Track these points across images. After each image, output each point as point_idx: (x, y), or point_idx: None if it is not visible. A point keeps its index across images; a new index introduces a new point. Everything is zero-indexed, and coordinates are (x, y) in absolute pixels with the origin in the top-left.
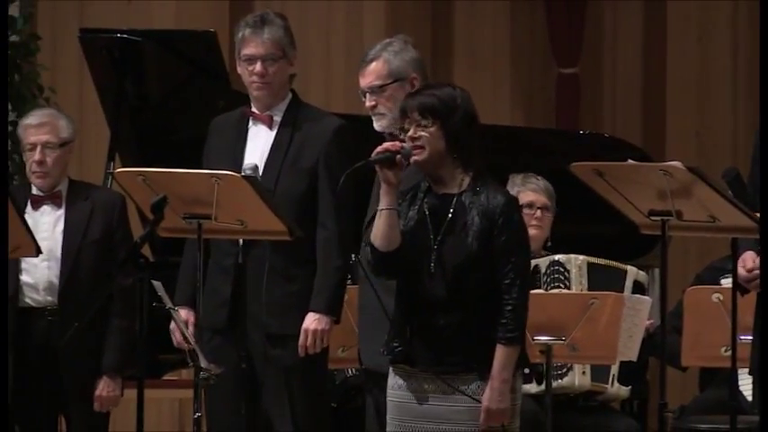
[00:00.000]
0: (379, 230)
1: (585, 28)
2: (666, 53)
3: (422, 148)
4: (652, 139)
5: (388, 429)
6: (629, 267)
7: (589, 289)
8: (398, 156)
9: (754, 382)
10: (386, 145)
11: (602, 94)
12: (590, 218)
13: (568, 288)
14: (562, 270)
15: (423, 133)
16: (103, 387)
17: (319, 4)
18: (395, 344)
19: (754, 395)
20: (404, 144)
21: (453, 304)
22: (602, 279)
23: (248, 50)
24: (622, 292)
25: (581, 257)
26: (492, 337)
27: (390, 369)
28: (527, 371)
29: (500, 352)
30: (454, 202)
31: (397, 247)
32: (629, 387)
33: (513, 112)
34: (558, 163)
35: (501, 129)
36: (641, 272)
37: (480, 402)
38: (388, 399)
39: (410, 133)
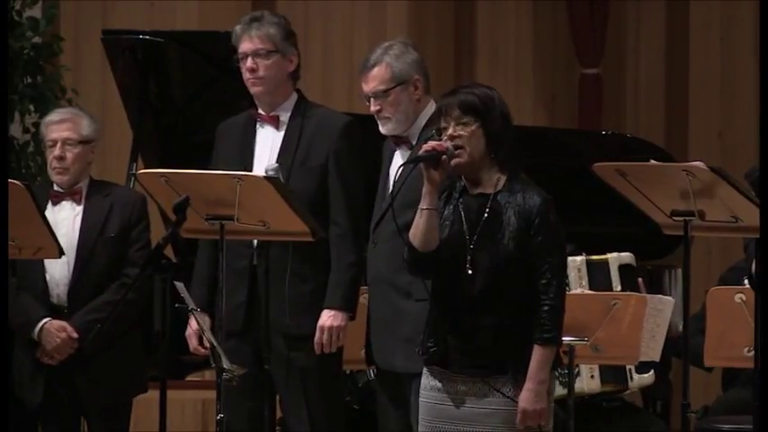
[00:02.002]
0: (419, 230)
1: (608, 28)
2: (689, 53)
3: (461, 148)
4: (674, 139)
5: (420, 430)
6: (609, 256)
7: (591, 289)
8: (444, 156)
9: None
10: (432, 144)
11: (625, 94)
12: (612, 218)
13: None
14: None
15: (463, 132)
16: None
17: (342, 4)
18: (429, 344)
19: None
20: (449, 145)
21: (488, 305)
22: (596, 275)
23: (240, 48)
24: (611, 284)
25: (578, 258)
26: (527, 338)
27: (425, 370)
28: None
29: (537, 352)
30: (490, 202)
31: (435, 247)
32: (651, 371)
33: (536, 112)
34: (581, 163)
35: (523, 129)
36: (623, 254)
37: (517, 402)
38: (420, 399)
39: (450, 131)
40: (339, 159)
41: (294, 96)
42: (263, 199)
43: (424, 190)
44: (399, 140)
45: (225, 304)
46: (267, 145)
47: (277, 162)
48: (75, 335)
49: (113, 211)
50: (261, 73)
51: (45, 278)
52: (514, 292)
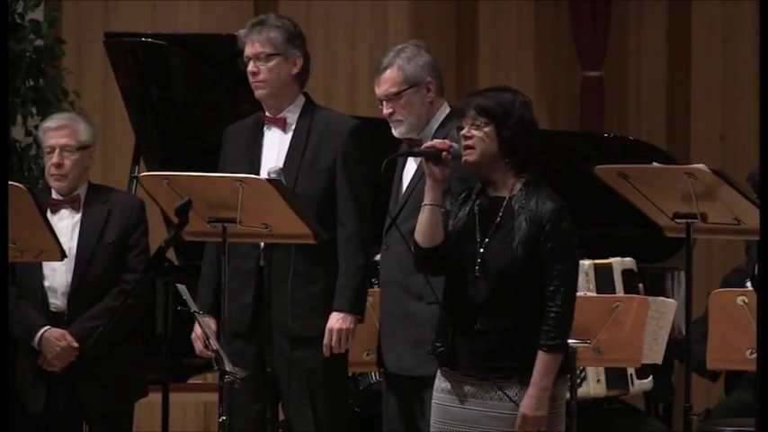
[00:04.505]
0: (422, 226)
1: (610, 30)
2: (691, 55)
3: (472, 148)
4: (677, 141)
5: (431, 430)
6: (612, 260)
7: (597, 293)
8: (444, 153)
9: None
10: (435, 142)
11: (627, 96)
12: (614, 221)
13: None
14: None
15: (476, 133)
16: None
17: (344, 4)
18: (437, 344)
19: None
20: (453, 144)
21: (496, 308)
22: (600, 279)
23: (245, 52)
24: (614, 288)
25: (587, 262)
26: (534, 343)
27: (437, 372)
28: None
29: (541, 359)
30: (504, 205)
31: (439, 243)
32: (651, 377)
33: (538, 115)
34: (582, 166)
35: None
36: (626, 259)
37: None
38: (432, 401)
39: (464, 131)
40: (347, 162)
41: (301, 99)
42: (265, 201)
43: (426, 186)
44: (412, 143)
45: (232, 306)
46: (274, 147)
47: (284, 164)
48: (75, 344)
49: (111, 218)
50: (262, 76)
51: (43, 286)
52: (522, 297)
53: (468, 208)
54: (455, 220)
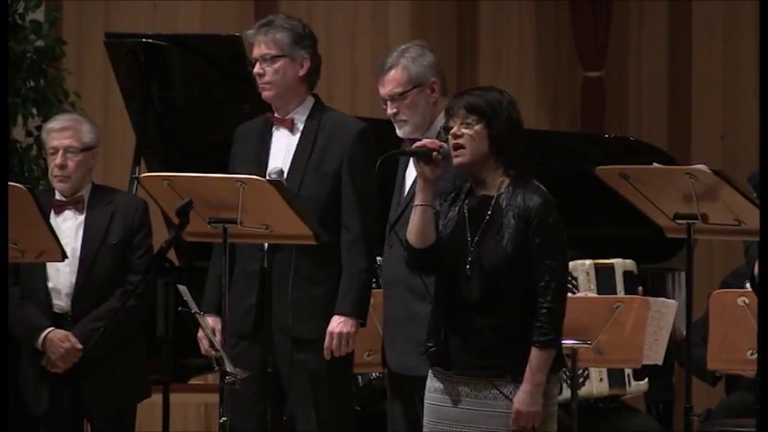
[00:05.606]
0: (413, 227)
1: (610, 31)
2: (692, 56)
3: (463, 148)
4: (677, 142)
5: (424, 431)
6: (614, 261)
7: (598, 293)
8: (435, 153)
9: None
10: (425, 141)
11: (628, 96)
12: (614, 221)
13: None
14: (569, 278)
15: (466, 131)
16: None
17: (345, 4)
18: (430, 344)
19: None
20: (443, 144)
21: (488, 306)
22: (601, 280)
23: (252, 54)
24: (615, 288)
25: (588, 262)
26: (527, 340)
27: (429, 372)
28: None
29: (534, 355)
30: (492, 203)
31: (431, 243)
32: (646, 379)
33: (539, 115)
34: (583, 166)
35: (526, 131)
36: (627, 260)
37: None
38: (425, 401)
39: (453, 130)
40: (352, 165)
41: (310, 100)
42: (266, 202)
43: (417, 186)
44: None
45: (237, 307)
46: (282, 148)
47: (291, 166)
48: (79, 345)
49: (115, 219)
50: (267, 78)
51: (47, 287)
52: (513, 294)
53: (457, 208)
54: (445, 221)
